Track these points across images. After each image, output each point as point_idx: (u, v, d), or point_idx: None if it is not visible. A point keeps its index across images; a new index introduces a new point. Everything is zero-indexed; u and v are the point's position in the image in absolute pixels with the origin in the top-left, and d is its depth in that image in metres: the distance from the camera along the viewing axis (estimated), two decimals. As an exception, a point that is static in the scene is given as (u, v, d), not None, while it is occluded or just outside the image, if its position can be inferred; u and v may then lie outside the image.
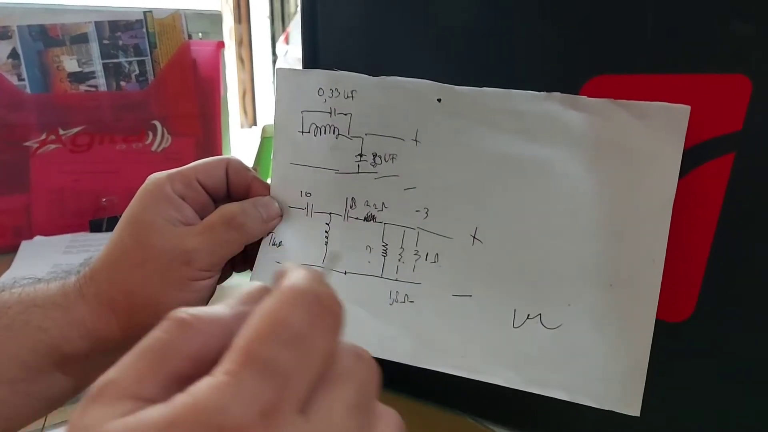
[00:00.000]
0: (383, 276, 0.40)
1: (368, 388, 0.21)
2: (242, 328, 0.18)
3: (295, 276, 0.20)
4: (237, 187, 0.41)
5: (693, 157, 0.33)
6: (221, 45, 0.87)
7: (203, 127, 0.87)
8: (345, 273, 0.40)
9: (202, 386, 0.17)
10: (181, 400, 0.17)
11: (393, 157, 0.39)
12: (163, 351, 0.19)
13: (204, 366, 0.19)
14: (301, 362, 0.18)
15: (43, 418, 0.42)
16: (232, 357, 0.17)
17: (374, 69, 0.39)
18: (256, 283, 0.22)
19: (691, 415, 0.37)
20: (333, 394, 0.19)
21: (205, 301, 0.39)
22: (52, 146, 0.80)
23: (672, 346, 0.36)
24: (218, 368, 0.17)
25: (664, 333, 0.34)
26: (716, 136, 0.33)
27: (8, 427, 0.35)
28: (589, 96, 0.35)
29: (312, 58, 0.45)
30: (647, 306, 0.34)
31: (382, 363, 0.22)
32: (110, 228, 0.81)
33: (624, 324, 0.34)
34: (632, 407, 0.34)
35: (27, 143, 0.79)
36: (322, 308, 0.19)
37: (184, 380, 0.18)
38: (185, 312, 0.20)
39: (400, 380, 0.41)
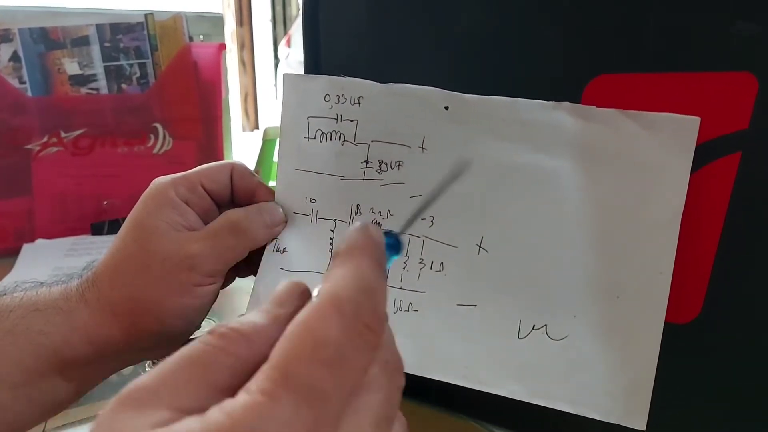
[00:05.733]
0: (387, 284, 0.40)
1: (394, 399, 0.20)
2: (279, 340, 0.18)
3: (340, 279, 0.20)
4: (241, 192, 0.41)
5: (699, 157, 0.33)
6: (222, 47, 0.86)
7: (205, 130, 0.87)
8: None
9: (238, 404, 0.16)
10: (215, 417, 0.16)
11: (399, 165, 0.39)
12: (204, 362, 0.18)
13: (246, 378, 0.18)
14: (339, 383, 0.17)
15: (44, 423, 0.42)
16: (268, 374, 0.17)
17: (375, 73, 0.39)
18: (289, 282, 0.22)
19: (697, 415, 0.37)
20: (361, 410, 0.18)
21: (208, 306, 0.39)
22: (54, 149, 0.80)
23: (678, 348, 0.35)
24: (253, 383, 0.17)
25: (671, 334, 0.34)
26: (722, 134, 0.32)
27: (9, 431, 0.35)
28: (593, 95, 0.35)
29: (314, 63, 0.45)
30: (654, 318, 0.34)
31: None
32: (112, 231, 0.81)
33: (630, 337, 0.34)
34: (638, 421, 0.34)
35: (28, 146, 0.79)
36: (362, 325, 0.19)
37: (224, 392, 0.18)
38: (224, 326, 0.19)
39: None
